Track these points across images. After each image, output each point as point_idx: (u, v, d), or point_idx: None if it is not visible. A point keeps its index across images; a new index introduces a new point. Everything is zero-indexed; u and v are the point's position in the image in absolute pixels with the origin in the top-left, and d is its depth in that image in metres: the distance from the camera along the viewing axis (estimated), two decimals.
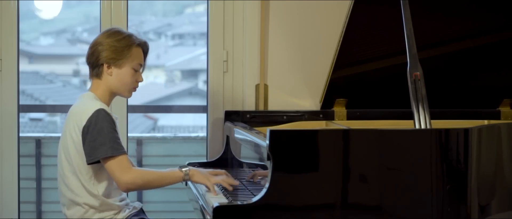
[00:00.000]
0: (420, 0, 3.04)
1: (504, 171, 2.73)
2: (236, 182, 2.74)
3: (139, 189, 2.69)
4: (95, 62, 2.76)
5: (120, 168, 2.61)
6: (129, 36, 2.78)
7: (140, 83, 2.83)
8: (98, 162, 2.63)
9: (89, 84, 2.84)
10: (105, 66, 2.75)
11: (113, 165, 2.61)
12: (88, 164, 2.64)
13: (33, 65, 12.10)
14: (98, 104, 2.66)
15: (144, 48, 2.82)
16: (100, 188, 2.69)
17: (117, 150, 2.61)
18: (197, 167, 3.26)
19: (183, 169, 2.70)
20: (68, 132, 2.70)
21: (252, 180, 2.88)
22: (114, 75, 2.75)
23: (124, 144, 2.88)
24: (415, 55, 2.72)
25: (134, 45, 2.77)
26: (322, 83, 3.35)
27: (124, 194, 2.81)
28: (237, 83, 3.73)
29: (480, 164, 2.59)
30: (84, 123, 2.63)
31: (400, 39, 2.77)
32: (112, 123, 2.65)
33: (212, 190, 2.68)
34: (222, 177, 2.73)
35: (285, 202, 2.45)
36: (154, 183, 2.68)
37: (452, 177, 2.55)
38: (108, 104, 2.79)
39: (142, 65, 2.82)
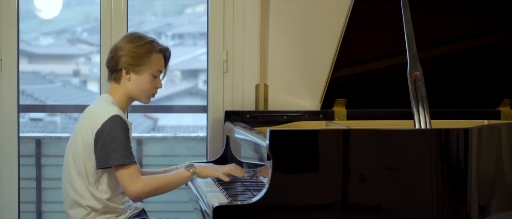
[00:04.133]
0: (420, 0, 3.04)
1: (504, 171, 2.73)
2: (245, 174, 2.79)
3: (148, 196, 2.70)
4: (114, 67, 2.74)
5: (130, 177, 2.61)
6: (150, 42, 2.75)
7: (159, 89, 2.81)
8: (108, 167, 2.64)
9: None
10: (123, 71, 2.73)
11: (123, 174, 2.61)
12: (98, 168, 2.64)
13: (33, 65, 12.10)
14: (115, 110, 2.64)
15: (165, 54, 2.80)
16: (104, 192, 2.68)
17: (128, 158, 2.61)
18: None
19: (189, 168, 2.72)
20: (80, 132, 2.69)
21: (254, 179, 2.88)
22: (132, 81, 2.74)
23: None
24: (415, 55, 2.72)
25: (155, 52, 2.74)
26: (322, 83, 3.35)
27: (127, 197, 2.81)
28: (237, 83, 3.73)
29: (480, 164, 2.59)
30: (98, 126, 2.62)
31: (400, 39, 2.77)
32: (126, 130, 2.64)
33: (224, 178, 2.75)
34: (231, 167, 2.78)
35: (285, 202, 2.45)
36: (163, 189, 2.69)
37: (452, 177, 2.55)
38: (125, 109, 2.78)
39: (161, 71, 2.80)
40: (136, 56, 2.72)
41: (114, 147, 2.59)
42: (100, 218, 2.69)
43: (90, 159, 2.65)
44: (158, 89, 2.82)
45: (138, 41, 2.74)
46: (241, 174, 2.78)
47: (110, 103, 2.71)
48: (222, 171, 2.76)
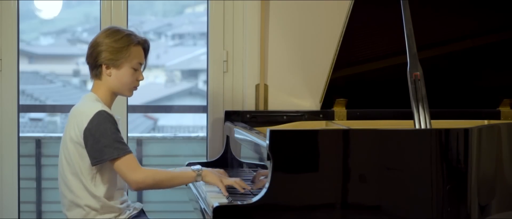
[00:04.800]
0: (420, 0, 3.04)
1: (504, 171, 2.73)
2: (248, 187, 2.71)
3: (150, 188, 2.69)
4: (94, 63, 2.74)
5: (129, 167, 2.60)
6: (128, 36, 2.74)
7: (141, 82, 2.81)
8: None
9: (89, 84, 2.83)
10: (103, 67, 2.72)
11: (121, 165, 2.60)
12: (93, 165, 2.63)
13: (33, 65, 12.11)
14: (99, 106, 2.65)
15: (144, 46, 2.78)
16: (101, 189, 2.68)
17: (122, 150, 2.60)
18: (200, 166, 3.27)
19: (195, 169, 2.69)
20: (68, 132, 2.69)
21: (254, 182, 2.86)
22: (113, 76, 2.73)
23: None
24: (415, 55, 2.72)
25: (133, 45, 2.73)
26: (322, 83, 3.35)
27: (125, 196, 2.81)
28: (237, 83, 3.73)
29: (480, 164, 2.59)
30: (85, 125, 2.62)
31: (400, 39, 2.77)
32: (114, 123, 2.64)
33: (224, 191, 2.67)
34: (235, 179, 2.70)
35: (285, 202, 2.45)
36: (165, 183, 2.67)
37: (452, 177, 2.54)
38: (110, 104, 2.77)
39: (142, 63, 2.78)
40: (114, 50, 2.70)
41: (105, 142, 2.59)
42: (99, 218, 2.69)
43: (81, 157, 2.65)
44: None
45: (116, 35, 2.73)
46: (242, 189, 2.68)
47: (94, 101, 2.70)
48: (225, 182, 2.68)
